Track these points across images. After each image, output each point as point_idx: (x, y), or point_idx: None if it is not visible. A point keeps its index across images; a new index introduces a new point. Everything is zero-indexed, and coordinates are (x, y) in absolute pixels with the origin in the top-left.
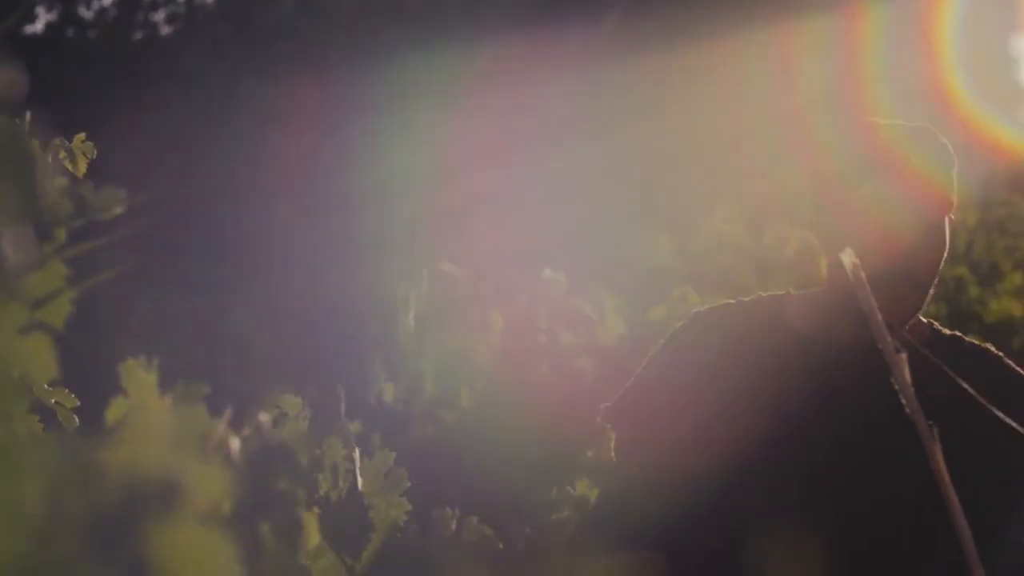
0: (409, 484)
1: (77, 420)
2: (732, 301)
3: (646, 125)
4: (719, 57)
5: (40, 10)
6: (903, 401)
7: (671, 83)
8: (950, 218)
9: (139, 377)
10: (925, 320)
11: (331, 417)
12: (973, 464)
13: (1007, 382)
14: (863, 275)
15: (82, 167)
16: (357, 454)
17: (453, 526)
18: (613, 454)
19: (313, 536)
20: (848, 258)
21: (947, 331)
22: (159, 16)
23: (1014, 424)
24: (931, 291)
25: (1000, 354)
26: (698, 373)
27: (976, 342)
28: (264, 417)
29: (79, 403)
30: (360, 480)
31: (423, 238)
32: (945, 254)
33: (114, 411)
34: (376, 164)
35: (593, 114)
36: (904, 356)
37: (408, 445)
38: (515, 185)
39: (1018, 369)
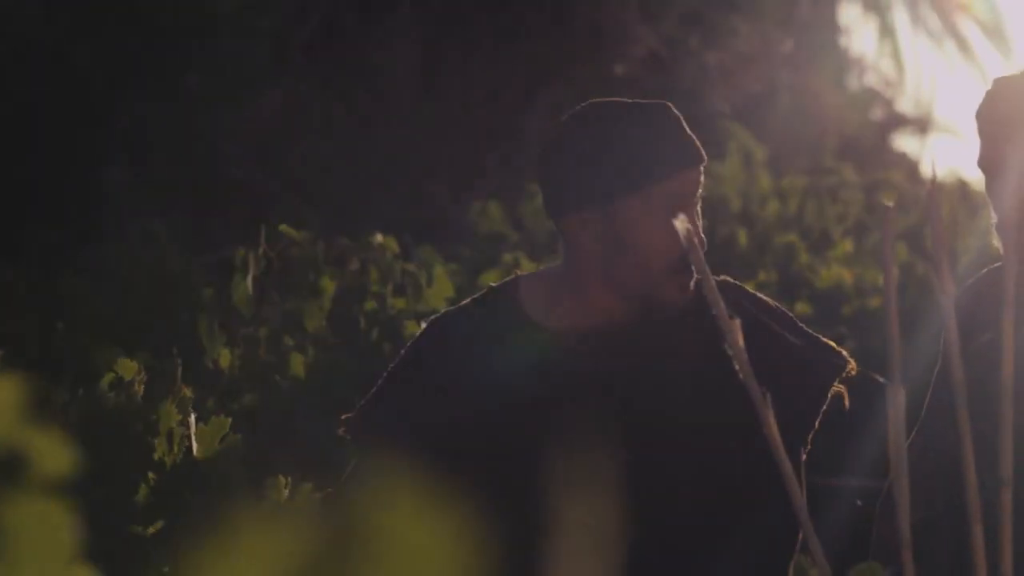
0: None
1: None
2: (467, 301)
3: (480, 91)
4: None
5: None
6: (736, 366)
7: (502, 51)
8: None
9: None
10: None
11: (167, 383)
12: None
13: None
14: (696, 241)
15: None
16: (192, 419)
17: (286, 492)
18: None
19: (147, 501)
20: (681, 224)
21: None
22: None
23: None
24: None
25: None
26: (442, 382)
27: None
28: (101, 382)
29: None
30: (195, 446)
31: (261, 202)
32: None
33: None
34: (214, 124)
35: (429, 80)
36: (738, 321)
37: (242, 411)
38: (349, 150)
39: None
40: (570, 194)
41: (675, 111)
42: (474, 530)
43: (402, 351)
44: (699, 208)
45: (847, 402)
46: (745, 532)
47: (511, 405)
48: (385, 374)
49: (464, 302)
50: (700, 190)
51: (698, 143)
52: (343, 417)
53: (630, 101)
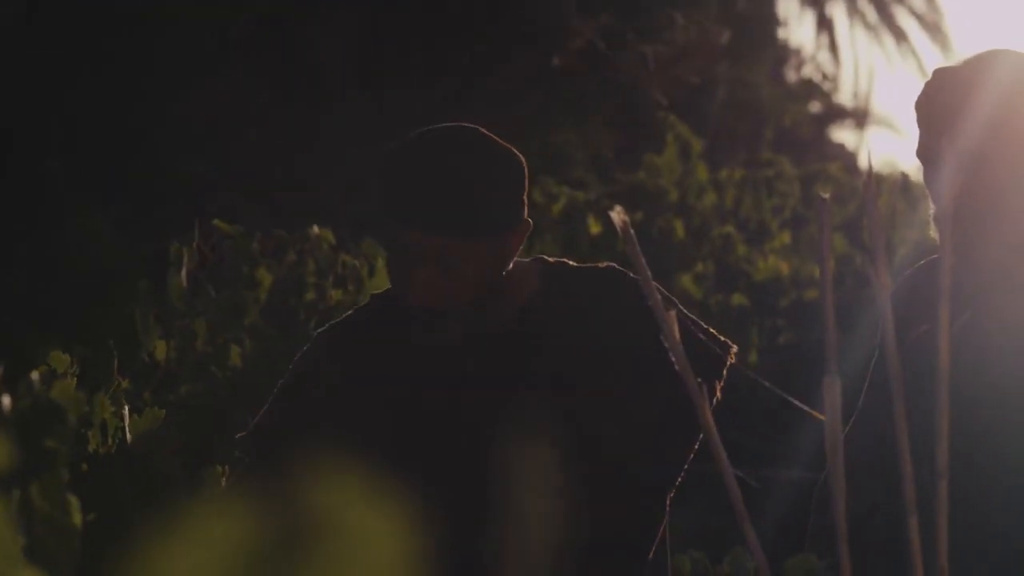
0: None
1: None
2: (352, 311)
3: (418, 83)
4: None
5: None
6: (673, 358)
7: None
8: None
9: None
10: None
11: (102, 374)
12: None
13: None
14: (632, 233)
15: None
16: (127, 411)
17: (222, 483)
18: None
19: (81, 493)
20: (617, 216)
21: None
22: None
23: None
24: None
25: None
26: (332, 393)
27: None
28: (34, 375)
29: None
30: (129, 437)
31: (197, 195)
32: None
33: None
34: (152, 117)
35: (367, 72)
36: (674, 313)
37: (178, 402)
38: (287, 142)
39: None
40: (502, 213)
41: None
42: (402, 526)
43: (292, 365)
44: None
45: (719, 394)
46: (595, 529)
47: (399, 411)
48: (276, 389)
49: (350, 312)
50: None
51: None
52: (238, 436)
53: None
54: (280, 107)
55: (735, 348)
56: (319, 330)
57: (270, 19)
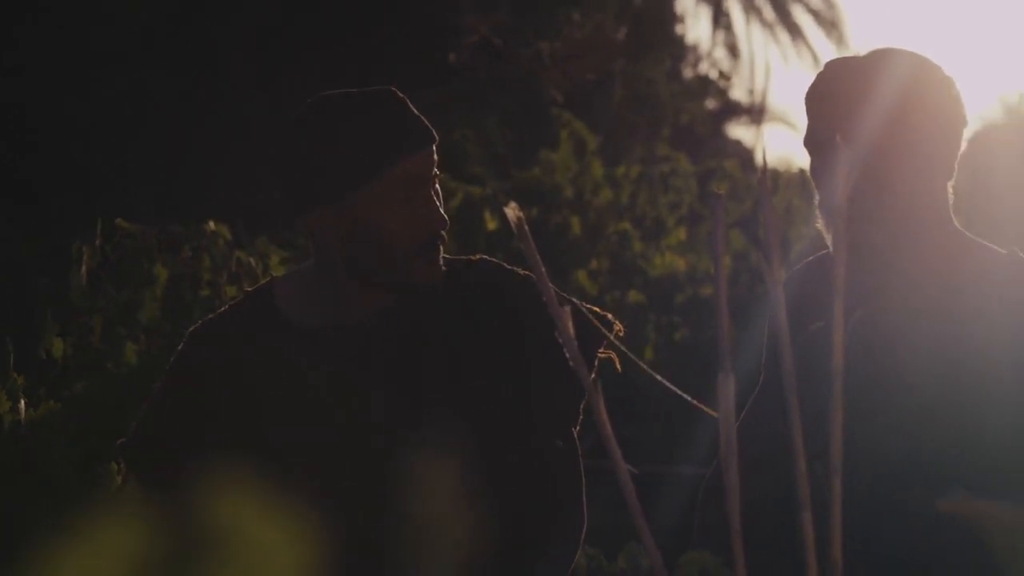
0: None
1: None
2: (224, 308)
3: (315, 80)
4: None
5: None
6: (567, 354)
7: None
8: None
9: None
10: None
11: None
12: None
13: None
14: (527, 228)
15: None
16: (23, 405)
17: (119, 480)
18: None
19: None
20: (512, 212)
21: (463, 258)
22: None
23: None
24: None
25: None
26: (205, 391)
27: (470, 258)
28: None
29: None
30: (25, 431)
31: (100, 190)
32: None
33: None
34: (53, 112)
35: (264, 68)
36: (567, 309)
37: (74, 399)
38: (187, 137)
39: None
40: (306, 191)
41: (400, 95)
42: (293, 530)
43: (168, 366)
44: (438, 187)
45: (619, 366)
46: (502, 508)
47: (271, 408)
48: (154, 391)
49: (221, 309)
50: (435, 170)
51: (426, 124)
52: (119, 442)
53: (354, 91)
54: (178, 104)
55: (619, 326)
56: (191, 328)
57: (171, 14)
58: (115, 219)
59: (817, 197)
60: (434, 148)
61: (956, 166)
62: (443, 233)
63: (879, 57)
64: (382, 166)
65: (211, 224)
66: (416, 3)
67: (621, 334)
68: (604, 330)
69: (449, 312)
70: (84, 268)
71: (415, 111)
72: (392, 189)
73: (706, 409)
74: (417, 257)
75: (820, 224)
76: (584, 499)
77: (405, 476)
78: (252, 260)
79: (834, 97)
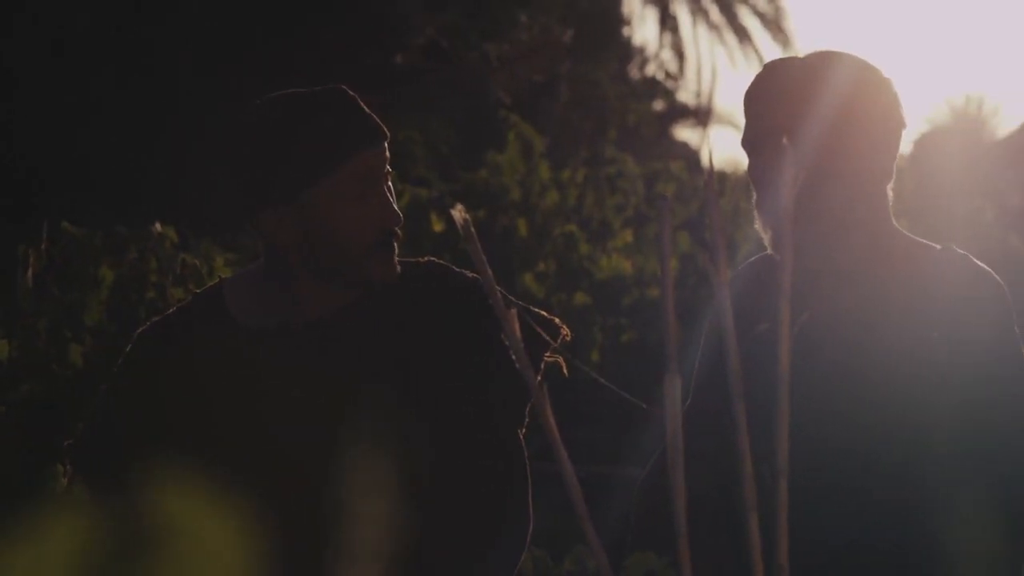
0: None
1: None
2: (172, 310)
3: (261, 80)
4: None
5: None
6: (513, 356)
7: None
8: None
9: None
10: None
11: None
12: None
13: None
14: (473, 230)
15: None
16: None
17: (65, 481)
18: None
19: None
20: (458, 214)
21: (413, 260)
22: None
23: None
24: None
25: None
26: (153, 393)
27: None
28: None
29: None
30: None
31: (45, 192)
32: None
33: None
34: None
35: (210, 68)
36: (514, 311)
37: (19, 401)
38: (132, 138)
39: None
40: (259, 190)
41: (351, 93)
42: (238, 529)
43: (115, 368)
44: (391, 184)
45: (566, 370)
46: (448, 510)
47: (219, 409)
48: (100, 392)
49: (169, 311)
50: (387, 167)
51: (378, 121)
52: (66, 444)
53: (305, 90)
54: (123, 106)
55: (566, 330)
56: (139, 330)
57: (114, 12)
58: (61, 222)
59: (755, 197)
60: (386, 145)
61: (895, 167)
62: (398, 230)
63: (818, 59)
64: (335, 162)
65: (157, 226)
66: (363, 4)
67: (568, 339)
68: (549, 338)
69: (398, 312)
70: (30, 271)
71: (366, 109)
72: (346, 185)
73: (649, 409)
74: (373, 254)
75: (758, 224)
76: (530, 500)
77: (351, 476)
78: (197, 262)
79: (772, 97)
